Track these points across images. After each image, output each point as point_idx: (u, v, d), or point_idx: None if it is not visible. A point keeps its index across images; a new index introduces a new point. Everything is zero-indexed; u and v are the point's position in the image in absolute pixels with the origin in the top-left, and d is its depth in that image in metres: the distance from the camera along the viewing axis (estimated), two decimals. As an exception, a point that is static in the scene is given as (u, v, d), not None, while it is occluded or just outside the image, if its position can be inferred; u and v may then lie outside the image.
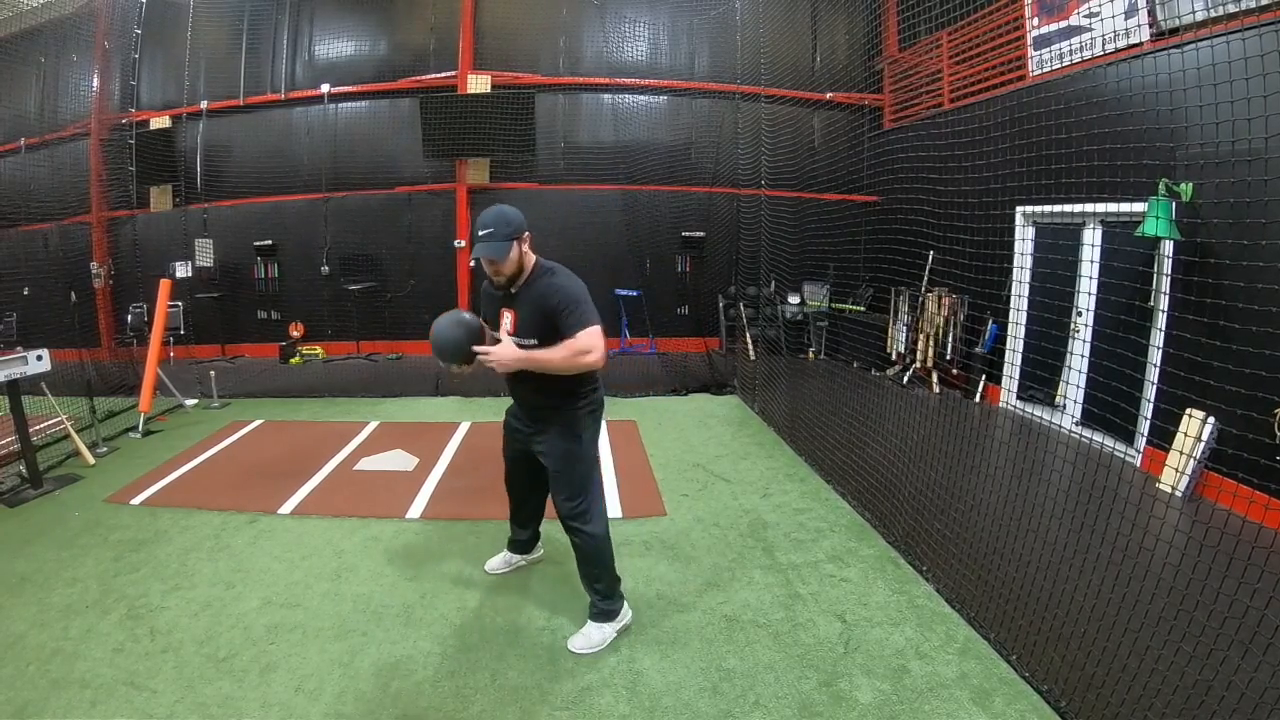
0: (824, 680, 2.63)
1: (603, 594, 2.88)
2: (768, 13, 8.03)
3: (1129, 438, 4.98)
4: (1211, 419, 4.27)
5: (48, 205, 9.07)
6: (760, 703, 2.51)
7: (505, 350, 2.57)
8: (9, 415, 4.55)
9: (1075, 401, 5.18)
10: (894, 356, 7.96)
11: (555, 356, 2.53)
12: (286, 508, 4.27)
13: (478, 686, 2.60)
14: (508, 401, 3.03)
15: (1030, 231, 6.23)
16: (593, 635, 2.84)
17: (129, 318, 9.27)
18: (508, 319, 2.69)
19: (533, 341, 2.62)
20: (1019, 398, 6.31)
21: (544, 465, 2.87)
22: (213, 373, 7.09)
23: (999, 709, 2.46)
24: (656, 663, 2.74)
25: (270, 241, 9.45)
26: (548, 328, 2.58)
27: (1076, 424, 5.23)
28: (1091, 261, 5.10)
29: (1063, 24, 5.73)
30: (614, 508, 4.25)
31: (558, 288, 2.59)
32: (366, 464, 5.05)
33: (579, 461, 2.80)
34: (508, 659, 2.77)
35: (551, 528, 3.51)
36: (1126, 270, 5.01)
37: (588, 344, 2.51)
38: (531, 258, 2.69)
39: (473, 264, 2.70)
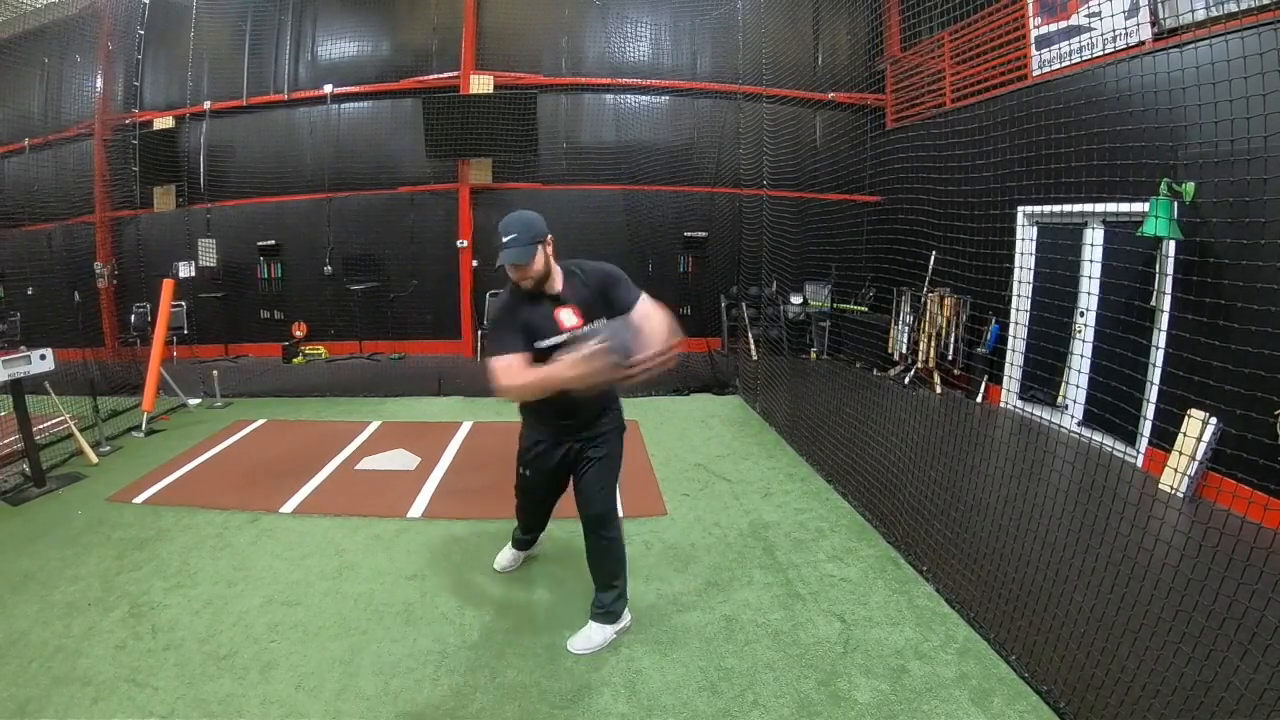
0: (823, 680, 2.63)
1: (619, 592, 2.89)
2: (770, 13, 8.03)
3: (1130, 438, 4.97)
4: (1213, 419, 4.27)
5: (52, 205, 9.11)
6: (759, 702, 2.51)
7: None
8: (13, 414, 4.57)
9: (1078, 394, 5.19)
10: (896, 357, 7.96)
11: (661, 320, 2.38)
12: (288, 507, 4.28)
13: (477, 685, 2.61)
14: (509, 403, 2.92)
15: (1032, 232, 6.23)
16: (594, 636, 2.84)
17: (132, 317, 9.31)
18: (568, 315, 2.58)
19: (603, 321, 2.54)
20: (1020, 398, 6.31)
21: (585, 472, 2.79)
22: (216, 372, 7.11)
23: (998, 709, 2.46)
24: (656, 662, 2.75)
25: (273, 241, 9.48)
26: (604, 305, 2.58)
27: (1078, 424, 5.23)
28: (1093, 262, 5.10)
29: (1064, 24, 5.72)
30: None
31: (600, 268, 2.66)
32: (368, 463, 5.06)
33: (620, 458, 2.88)
34: (507, 657, 2.78)
35: (553, 526, 3.52)
36: (1128, 270, 5.00)
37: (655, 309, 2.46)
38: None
39: (500, 265, 2.47)
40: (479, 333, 9.23)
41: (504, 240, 2.48)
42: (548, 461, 2.83)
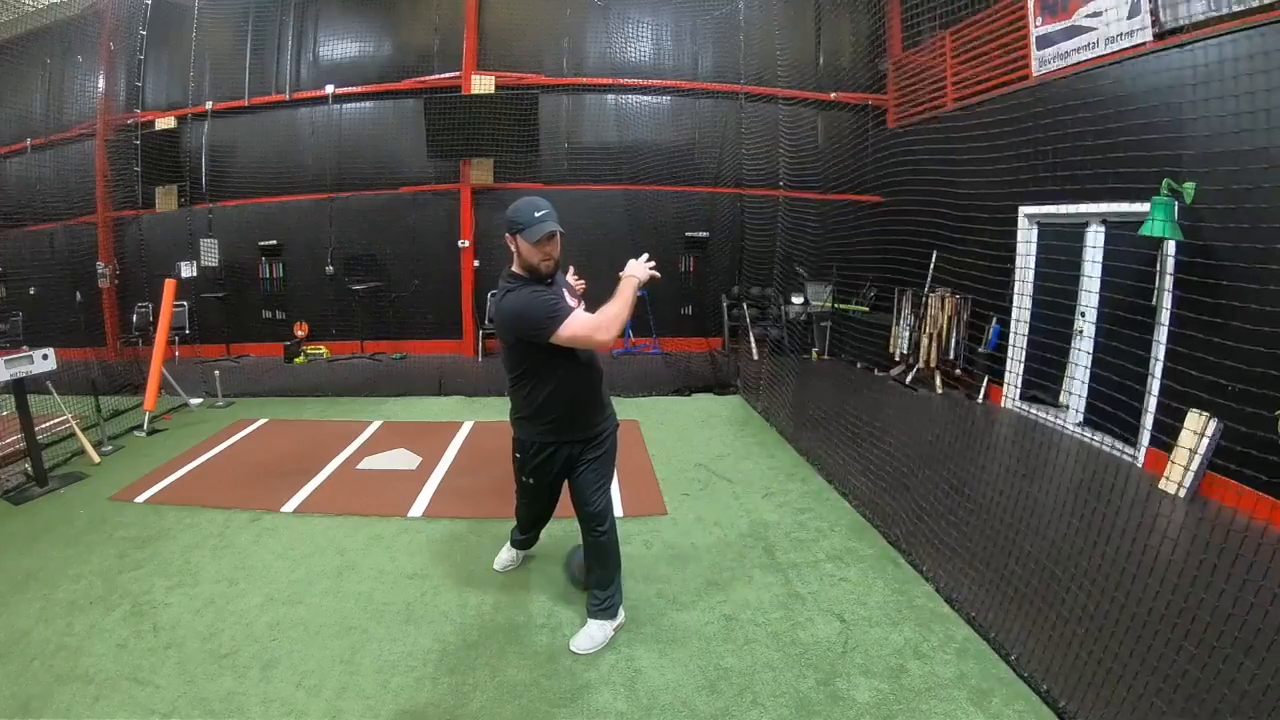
0: (822, 679, 2.64)
1: (616, 586, 2.92)
2: (771, 13, 8.03)
3: (1131, 438, 4.97)
4: (1214, 419, 4.26)
5: (54, 205, 9.12)
6: (758, 701, 2.52)
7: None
8: (15, 413, 4.58)
9: (1078, 396, 5.19)
10: (897, 357, 7.95)
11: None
12: (290, 506, 4.29)
13: (477, 683, 2.61)
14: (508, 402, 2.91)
15: (1033, 232, 6.22)
16: (595, 634, 2.85)
17: (134, 317, 9.33)
18: (566, 296, 2.74)
19: (583, 304, 2.81)
20: (1022, 398, 6.30)
21: (583, 472, 2.83)
22: (217, 372, 7.12)
23: (997, 709, 2.46)
24: (655, 661, 2.76)
25: (275, 241, 9.49)
26: None
27: (1079, 424, 5.23)
28: (1094, 262, 5.10)
29: (1065, 24, 5.72)
30: (616, 507, 4.25)
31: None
32: (370, 463, 5.07)
33: (615, 454, 2.96)
34: (507, 656, 2.78)
35: (553, 525, 3.53)
36: (1129, 270, 5.00)
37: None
38: None
39: (540, 238, 2.45)
40: (480, 332, 9.25)
41: (540, 215, 2.54)
42: (552, 466, 2.84)
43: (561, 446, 2.80)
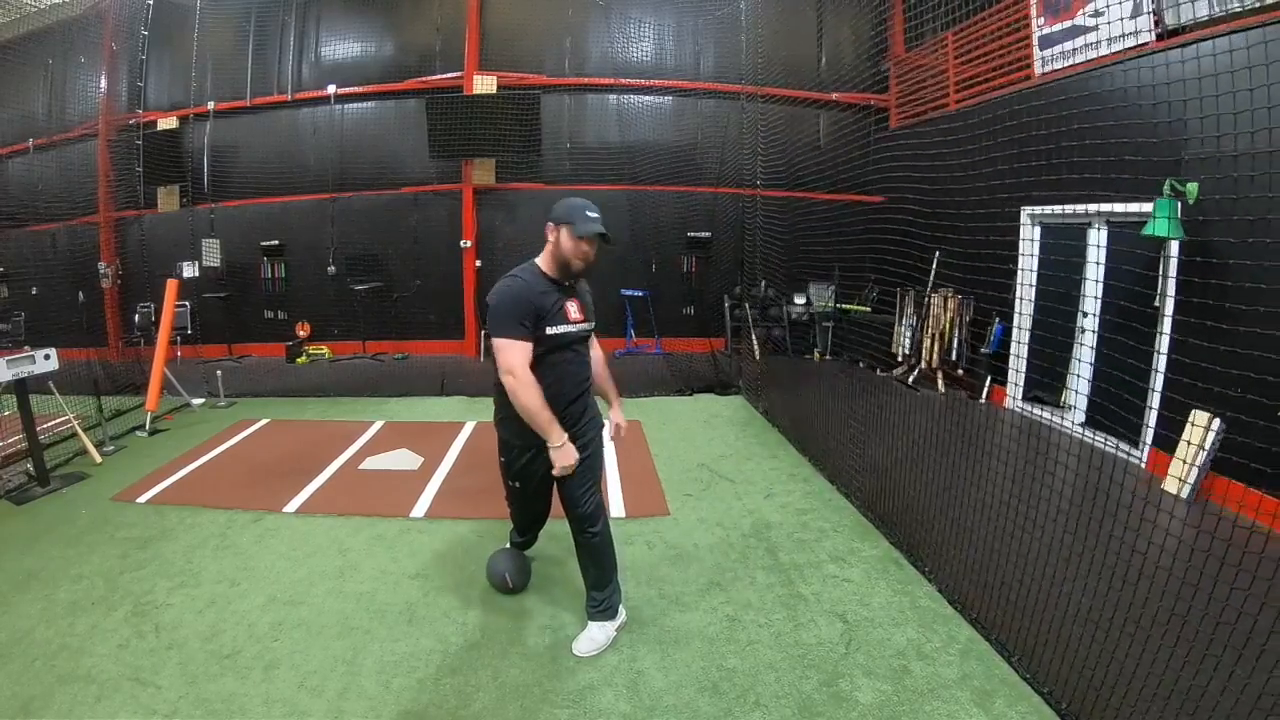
0: (825, 680, 2.63)
1: (614, 586, 2.91)
2: (773, 13, 8.02)
3: (1134, 439, 4.96)
4: (1217, 420, 4.25)
5: (56, 206, 9.15)
6: (760, 702, 2.51)
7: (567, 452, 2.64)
8: (16, 413, 4.59)
9: (1081, 394, 5.18)
10: (900, 357, 7.94)
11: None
12: (292, 506, 4.29)
13: (479, 684, 2.61)
14: None
15: (1036, 232, 6.21)
16: (597, 636, 2.84)
17: (136, 317, 9.34)
18: (574, 308, 2.74)
19: (593, 324, 2.86)
20: (1024, 398, 6.29)
21: (569, 475, 2.77)
22: (219, 372, 7.12)
23: (1000, 710, 2.45)
24: (658, 661, 2.75)
25: (277, 242, 9.51)
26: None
27: (1081, 425, 5.22)
28: (1097, 262, 5.09)
29: (1067, 24, 5.71)
30: (618, 507, 4.26)
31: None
32: (372, 463, 5.07)
33: (601, 455, 2.97)
34: (509, 657, 2.78)
35: (553, 525, 3.52)
36: (1131, 270, 4.99)
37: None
38: None
39: (586, 234, 2.48)
40: (482, 332, 9.25)
41: (591, 215, 2.67)
42: (537, 469, 2.81)
43: (545, 449, 2.73)
